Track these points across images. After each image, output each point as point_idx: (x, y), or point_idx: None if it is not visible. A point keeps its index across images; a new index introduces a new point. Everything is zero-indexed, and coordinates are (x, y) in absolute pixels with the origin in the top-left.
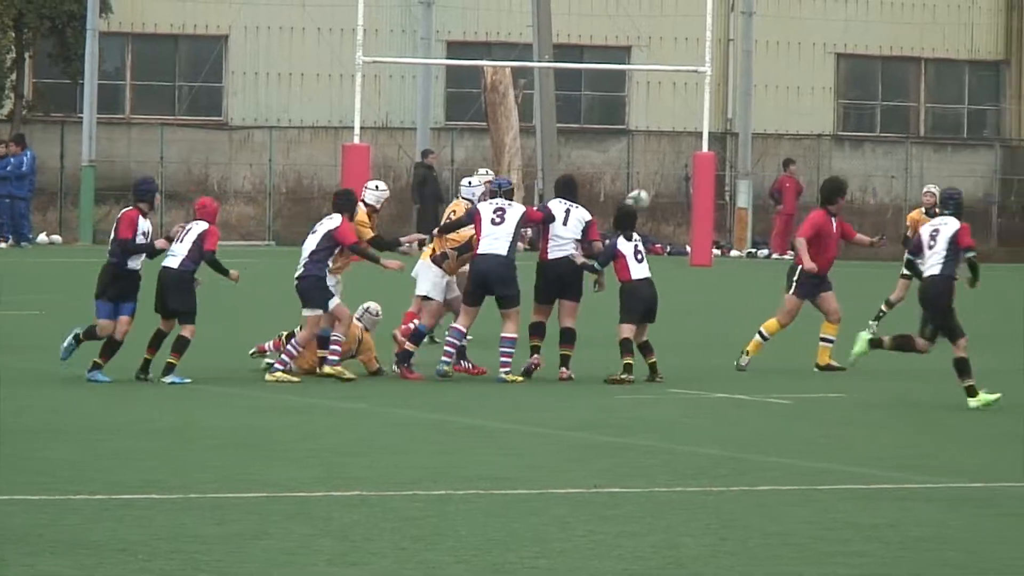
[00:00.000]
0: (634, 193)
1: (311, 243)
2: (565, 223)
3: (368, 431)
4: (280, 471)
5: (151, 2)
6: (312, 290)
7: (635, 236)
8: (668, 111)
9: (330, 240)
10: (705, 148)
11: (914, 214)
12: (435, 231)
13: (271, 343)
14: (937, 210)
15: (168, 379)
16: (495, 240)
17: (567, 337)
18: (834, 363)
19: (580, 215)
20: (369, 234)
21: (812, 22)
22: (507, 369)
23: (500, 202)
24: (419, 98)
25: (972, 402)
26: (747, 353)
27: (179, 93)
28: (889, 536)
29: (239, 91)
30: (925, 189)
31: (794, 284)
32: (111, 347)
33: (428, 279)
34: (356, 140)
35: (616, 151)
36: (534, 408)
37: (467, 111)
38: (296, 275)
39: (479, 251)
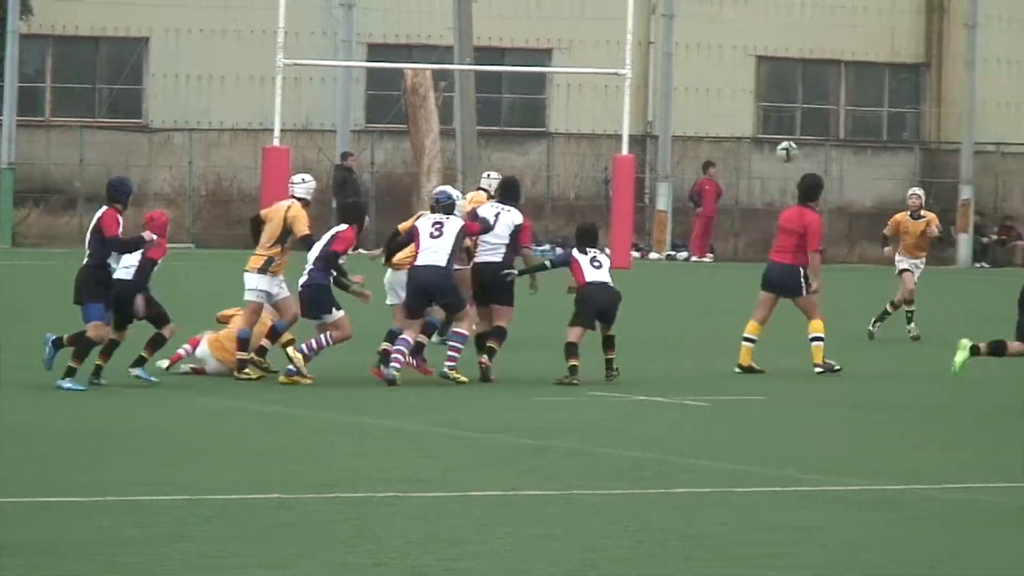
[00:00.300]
0: (784, 145)
1: (316, 251)
2: (493, 226)
3: (287, 434)
4: (199, 474)
5: (72, 4)
6: (319, 298)
7: (594, 251)
8: (588, 113)
9: (328, 248)
10: (625, 150)
11: (898, 216)
12: (382, 258)
13: (185, 347)
14: (923, 212)
15: (135, 371)
16: (434, 253)
17: (497, 333)
18: (830, 362)
19: (510, 219)
20: (305, 231)
21: (733, 25)
22: (452, 364)
23: (439, 217)
24: (339, 100)
25: None
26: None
27: (99, 95)
28: (809, 538)
29: (159, 93)
30: (911, 192)
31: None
32: (108, 348)
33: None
34: (276, 142)
35: (536, 153)
36: (454, 410)
37: (387, 113)
38: (300, 282)
39: (417, 263)
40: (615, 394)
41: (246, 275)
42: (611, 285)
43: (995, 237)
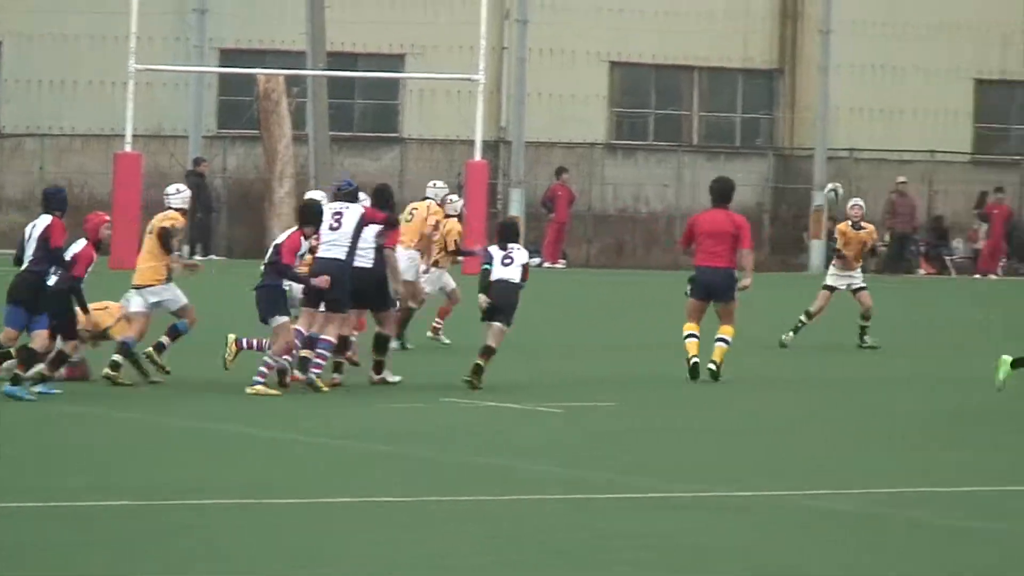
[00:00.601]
0: (832, 186)
1: (269, 255)
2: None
3: (138, 440)
4: (49, 480)
5: None
6: (270, 300)
7: (514, 247)
8: (441, 119)
9: (279, 251)
10: (478, 156)
11: (842, 226)
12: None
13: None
14: (863, 223)
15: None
16: (332, 245)
17: (378, 343)
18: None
19: (351, 216)
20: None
21: (586, 30)
22: (318, 372)
23: (339, 205)
24: (191, 106)
25: None
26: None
27: None
28: (658, 544)
29: (11, 98)
30: (852, 202)
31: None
32: (31, 358)
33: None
34: (128, 148)
35: (389, 159)
36: (305, 417)
37: (240, 119)
38: (256, 285)
39: (318, 255)
40: (467, 400)
41: (140, 291)
42: (511, 282)
43: None
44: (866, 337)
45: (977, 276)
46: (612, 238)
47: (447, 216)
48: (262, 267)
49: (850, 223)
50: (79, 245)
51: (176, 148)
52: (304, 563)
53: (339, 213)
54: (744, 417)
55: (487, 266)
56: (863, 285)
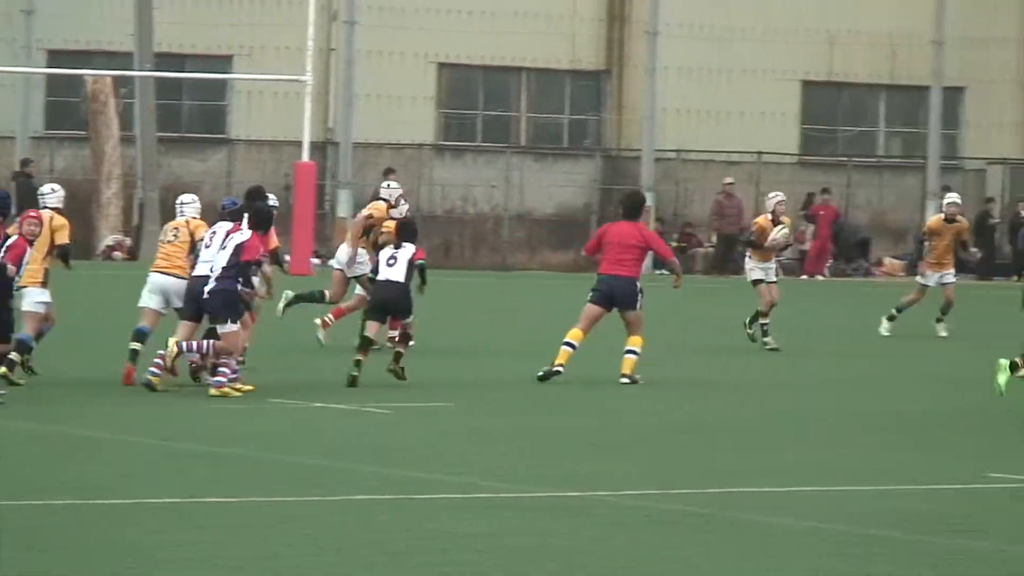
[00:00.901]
0: (783, 231)
1: (222, 259)
2: (208, 244)
3: None
4: None
5: None
6: (224, 305)
7: (401, 249)
8: (269, 120)
9: (239, 254)
10: (306, 157)
11: (760, 220)
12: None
13: None
14: (783, 219)
15: None
16: (205, 263)
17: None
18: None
19: (240, 238)
20: (66, 240)
21: (414, 32)
22: (156, 372)
23: (219, 225)
24: (18, 107)
25: None
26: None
27: None
28: (486, 545)
29: None
30: (778, 198)
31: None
32: None
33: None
34: None
35: (216, 160)
36: (134, 417)
37: (68, 120)
38: (208, 289)
39: (193, 272)
40: (294, 401)
41: (29, 290)
42: (398, 282)
43: (675, 244)
44: (767, 339)
45: (804, 277)
46: (440, 238)
47: (390, 218)
48: (211, 268)
49: (770, 219)
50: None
51: (3, 149)
52: (131, 563)
53: (214, 232)
54: (581, 418)
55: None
56: (776, 280)
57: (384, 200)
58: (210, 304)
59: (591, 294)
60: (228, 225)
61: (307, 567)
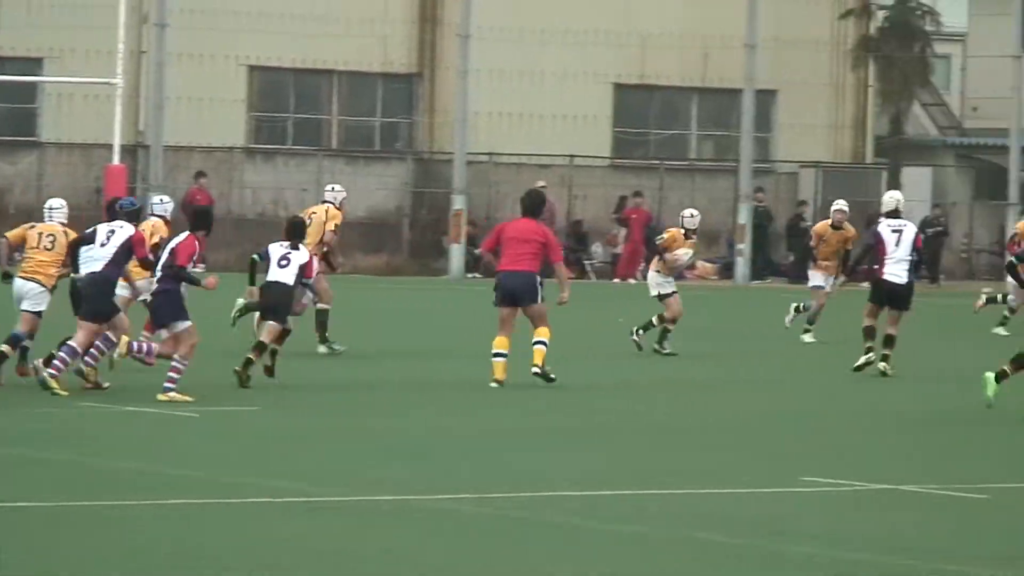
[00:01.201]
0: (686, 255)
1: (163, 260)
2: (104, 242)
3: None
4: None
5: None
6: (169, 305)
7: (295, 250)
8: (80, 123)
9: (174, 255)
10: (116, 160)
11: (674, 231)
12: None
13: None
14: (690, 243)
15: None
16: (93, 261)
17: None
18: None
19: (124, 234)
20: None
21: (225, 35)
22: (54, 373)
23: (113, 224)
24: None
25: None
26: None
27: None
28: (301, 547)
29: None
30: (691, 212)
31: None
32: None
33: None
34: None
35: (27, 163)
36: None
37: None
38: (151, 292)
39: (83, 271)
40: (105, 405)
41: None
42: (285, 285)
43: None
44: (666, 343)
45: (617, 280)
46: (251, 242)
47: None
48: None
49: (683, 231)
50: None
51: None
52: None
53: (112, 231)
54: (396, 420)
55: (257, 257)
56: (675, 290)
57: (330, 203)
58: (155, 307)
59: (494, 296)
60: (123, 223)
61: (118, 572)
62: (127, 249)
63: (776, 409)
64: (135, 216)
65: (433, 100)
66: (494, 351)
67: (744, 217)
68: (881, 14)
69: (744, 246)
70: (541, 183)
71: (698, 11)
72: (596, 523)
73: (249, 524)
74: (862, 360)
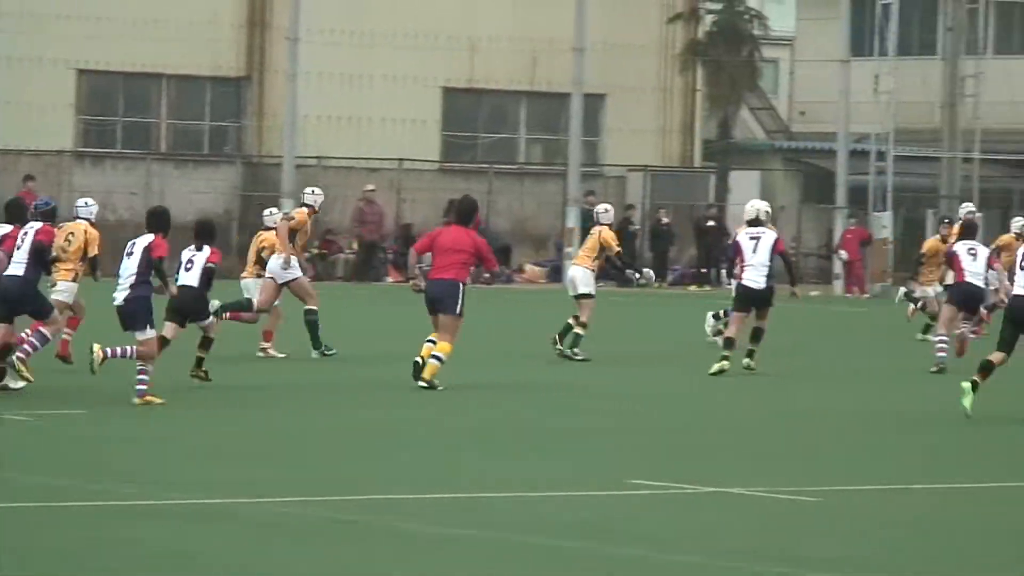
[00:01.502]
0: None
1: (131, 265)
2: (19, 245)
3: None
4: None
5: None
6: (140, 312)
7: (199, 253)
8: None
9: (148, 257)
10: None
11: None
12: None
13: None
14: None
15: None
16: (16, 264)
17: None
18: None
19: (32, 237)
20: None
21: (53, 39)
22: (22, 356)
23: (30, 225)
24: None
25: None
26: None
27: None
28: (133, 552)
29: None
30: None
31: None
32: None
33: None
34: None
35: None
36: None
37: None
38: (123, 297)
39: (5, 272)
40: None
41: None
42: (191, 286)
43: (316, 251)
44: (576, 348)
45: None
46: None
47: (267, 228)
48: (126, 280)
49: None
50: None
51: None
52: None
53: (26, 232)
54: (224, 425)
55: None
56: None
57: (308, 206)
58: (125, 312)
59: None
60: (38, 225)
61: None
62: (38, 250)
63: (608, 411)
64: (50, 216)
65: (262, 103)
66: (428, 338)
67: (572, 220)
68: (709, 18)
69: (572, 249)
70: (370, 187)
71: (527, 15)
72: (420, 526)
73: (72, 528)
74: (716, 368)
